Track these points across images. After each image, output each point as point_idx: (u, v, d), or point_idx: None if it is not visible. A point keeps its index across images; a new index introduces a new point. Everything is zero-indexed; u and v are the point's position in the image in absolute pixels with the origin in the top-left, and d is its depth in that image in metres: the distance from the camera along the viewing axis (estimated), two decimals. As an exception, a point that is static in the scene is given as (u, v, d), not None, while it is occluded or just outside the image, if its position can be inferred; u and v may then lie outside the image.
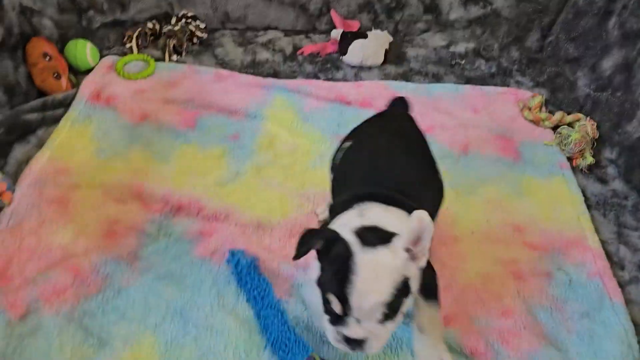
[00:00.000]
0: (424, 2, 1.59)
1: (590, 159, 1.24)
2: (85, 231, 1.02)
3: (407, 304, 0.70)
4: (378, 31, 1.52)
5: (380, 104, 1.36)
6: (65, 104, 1.27)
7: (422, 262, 0.69)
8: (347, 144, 0.93)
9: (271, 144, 1.25)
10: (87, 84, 1.33)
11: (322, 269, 0.70)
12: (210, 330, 0.88)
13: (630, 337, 0.91)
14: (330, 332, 0.71)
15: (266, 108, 1.32)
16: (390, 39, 1.53)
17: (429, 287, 0.78)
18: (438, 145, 1.26)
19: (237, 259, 0.96)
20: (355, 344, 0.69)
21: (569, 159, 1.26)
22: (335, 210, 0.79)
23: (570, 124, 1.31)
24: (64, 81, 1.30)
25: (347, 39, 1.47)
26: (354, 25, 1.56)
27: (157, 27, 1.50)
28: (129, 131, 1.23)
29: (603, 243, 1.08)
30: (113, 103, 1.29)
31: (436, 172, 0.92)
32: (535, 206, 1.14)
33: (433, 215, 0.85)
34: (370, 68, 1.49)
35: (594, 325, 0.94)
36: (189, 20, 1.51)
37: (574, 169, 1.24)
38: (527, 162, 1.24)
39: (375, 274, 0.66)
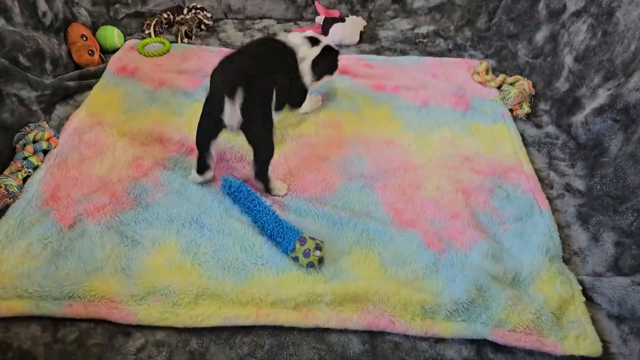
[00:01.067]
0: (392, -6, 1.83)
1: (527, 109, 1.44)
2: (117, 165, 1.20)
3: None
4: (354, 17, 1.74)
5: (356, 72, 1.58)
6: (97, 75, 1.48)
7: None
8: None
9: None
10: (115, 60, 1.54)
11: None
12: (221, 232, 1.06)
13: (552, 232, 1.11)
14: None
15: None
16: (365, 23, 1.75)
17: None
18: (403, 100, 1.47)
19: (229, 183, 1.12)
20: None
21: (511, 111, 1.47)
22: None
23: (511, 84, 1.52)
24: (96, 57, 1.50)
25: (329, 23, 1.70)
26: (334, 13, 1.78)
27: (171, 17, 1.72)
28: (149, 94, 1.43)
29: (537, 171, 1.28)
30: (136, 74, 1.49)
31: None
32: (481, 143, 1.34)
33: None
34: (348, 46, 1.71)
35: (525, 225, 1.13)
36: (198, 11, 1.73)
37: (515, 118, 1.45)
38: (475, 112, 1.45)
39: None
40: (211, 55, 1.60)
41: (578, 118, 1.36)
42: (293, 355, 0.87)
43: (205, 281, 0.97)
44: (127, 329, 0.90)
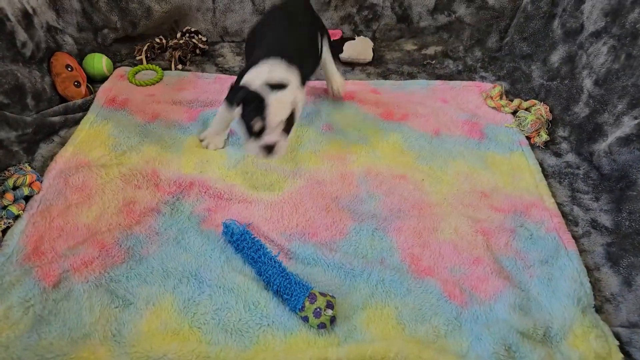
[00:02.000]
0: (397, 13, 1.77)
1: (545, 136, 1.39)
2: (107, 212, 1.13)
3: (294, 126, 1.14)
4: (362, 37, 1.70)
5: (361, 98, 1.52)
6: (84, 108, 1.40)
7: (303, 100, 1.15)
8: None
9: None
10: (104, 91, 1.46)
11: (246, 108, 1.08)
12: (222, 288, 0.99)
13: (582, 277, 1.04)
14: (252, 146, 1.10)
15: (262, 105, 1.46)
16: (372, 44, 1.70)
17: (330, 47, 1.41)
18: (413, 129, 1.41)
19: (230, 230, 1.06)
20: (269, 149, 1.09)
21: (528, 138, 1.41)
22: (247, 69, 1.17)
23: (527, 109, 1.47)
24: (83, 88, 1.42)
25: (339, 43, 1.65)
26: (337, 34, 1.73)
27: (164, 41, 1.65)
28: (141, 128, 1.35)
29: (559, 205, 1.22)
30: (127, 106, 1.42)
31: (316, 46, 1.33)
32: (499, 176, 1.28)
33: (311, 71, 1.32)
34: (358, 65, 1.67)
35: (552, 269, 1.06)
36: (192, 35, 1.66)
37: (532, 146, 1.39)
38: (490, 141, 1.38)
39: (280, 105, 1.08)
40: (207, 83, 1.53)
41: (601, 146, 1.30)
42: None
43: (206, 348, 0.89)
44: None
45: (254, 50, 1.25)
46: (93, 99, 1.43)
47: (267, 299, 0.97)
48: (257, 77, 1.11)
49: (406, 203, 1.19)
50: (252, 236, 1.05)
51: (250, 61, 1.19)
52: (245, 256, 1.04)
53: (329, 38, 1.43)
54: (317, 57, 1.34)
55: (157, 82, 1.52)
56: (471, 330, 0.94)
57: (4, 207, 1.08)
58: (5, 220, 1.07)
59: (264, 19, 1.37)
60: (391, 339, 0.91)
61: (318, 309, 0.91)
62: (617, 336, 0.94)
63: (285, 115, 1.08)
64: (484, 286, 1.02)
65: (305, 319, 0.92)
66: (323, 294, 0.94)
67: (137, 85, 1.50)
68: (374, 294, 0.99)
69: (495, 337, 0.91)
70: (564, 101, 1.44)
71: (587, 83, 1.38)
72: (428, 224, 1.14)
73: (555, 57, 1.52)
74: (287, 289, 0.94)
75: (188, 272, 1.01)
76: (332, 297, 0.94)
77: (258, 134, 1.08)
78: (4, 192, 1.10)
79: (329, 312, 0.91)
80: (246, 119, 1.09)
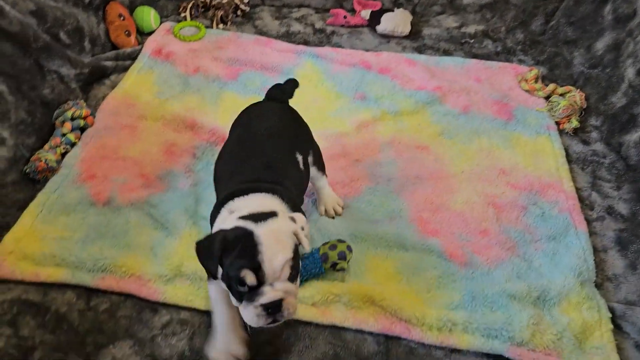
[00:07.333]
0: (441, -12, 1.94)
1: (575, 123, 1.53)
2: (151, 150, 1.40)
3: (299, 269, 0.86)
4: (402, 9, 1.87)
5: (397, 71, 1.71)
6: (133, 57, 1.68)
7: (306, 225, 0.89)
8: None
9: (299, 97, 1.59)
10: (150, 42, 1.74)
11: (226, 261, 0.82)
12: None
13: (587, 255, 1.20)
14: (248, 312, 0.82)
15: (297, 69, 1.68)
16: (411, 17, 1.87)
17: (320, 164, 1.21)
18: (442, 104, 1.59)
19: None
20: (273, 309, 0.81)
21: (557, 124, 1.55)
22: (215, 212, 0.95)
23: (562, 95, 1.60)
24: (132, 38, 1.71)
25: (377, 14, 1.83)
26: (377, 5, 1.92)
27: (208, 0, 1.91)
28: (183, 80, 1.61)
29: (578, 190, 1.37)
30: (171, 58, 1.68)
31: (297, 164, 1.08)
32: (521, 156, 1.44)
33: (299, 195, 1.07)
34: (394, 37, 1.83)
35: (558, 246, 1.23)
36: (235, -4, 1.91)
37: (561, 132, 1.53)
38: (518, 123, 1.54)
39: (276, 238, 0.82)
40: (247, 43, 1.78)
41: (632, 137, 1.43)
42: (309, 347, 1.02)
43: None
44: (155, 306, 1.07)
45: (220, 185, 1.05)
46: (141, 49, 1.71)
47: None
48: (233, 215, 0.88)
49: (424, 172, 1.38)
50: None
51: (217, 202, 0.97)
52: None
53: (316, 152, 1.21)
54: (301, 177, 1.10)
55: (200, 39, 1.77)
56: (465, 288, 1.12)
57: (64, 135, 1.37)
58: (64, 146, 1.36)
59: (228, 141, 1.15)
60: (389, 286, 1.12)
61: (342, 252, 1.11)
62: (611, 310, 1.10)
63: (287, 252, 0.82)
64: (487, 252, 1.20)
65: (334, 265, 1.11)
66: (341, 242, 1.13)
67: (181, 40, 1.76)
68: (378, 246, 1.20)
69: (487, 296, 1.10)
70: (602, 90, 1.58)
71: (630, 72, 1.51)
72: (442, 192, 1.33)
73: (601, 44, 1.65)
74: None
75: (217, 208, 1.26)
76: (349, 249, 1.12)
77: (253, 291, 0.81)
78: (63, 121, 1.39)
79: (342, 262, 1.12)
80: (231, 273, 0.81)
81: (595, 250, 1.22)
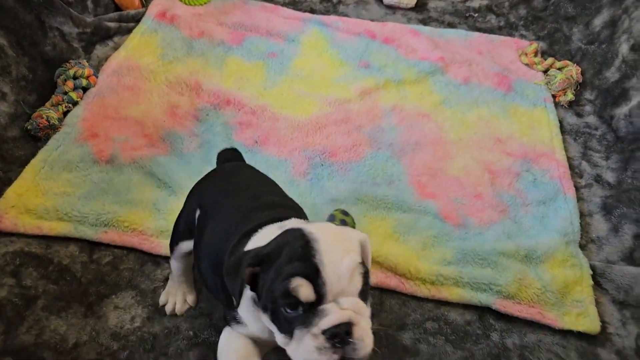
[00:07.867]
0: (446, -39, 1.95)
1: (570, 96, 1.58)
2: (154, 111, 1.42)
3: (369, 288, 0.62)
4: (408, -19, 1.89)
5: (401, 41, 1.73)
6: (137, 19, 1.69)
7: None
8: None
9: (304, 64, 1.63)
10: (155, 5, 1.74)
11: (265, 278, 0.61)
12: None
13: (574, 218, 1.27)
14: (304, 349, 0.57)
15: (303, 36, 1.70)
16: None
17: None
18: (444, 74, 1.63)
19: None
20: (342, 335, 0.57)
21: (554, 97, 1.60)
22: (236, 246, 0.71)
23: (559, 69, 1.65)
24: (136, 0, 1.71)
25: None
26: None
27: (211, -35, 1.90)
28: (187, 43, 1.63)
29: (569, 159, 1.43)
30: (175, 21, 1.69)
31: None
32: (517, 126, 1.50)
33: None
34: (400, 9, 1.86)
35: (547, 210, 1.29)
36: (239, -39, 1.90)
37: (557, 105, 1.59)
38: (517, 94, 1.59)
39: (338, 237, 0.61)
40: (253, 9, 1.79)
41: (622, 110, 1.49)
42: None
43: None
44: (157, 259, 1.12)
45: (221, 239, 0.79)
46: (145, 11, 1.71)
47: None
48: (270, 234, 0.67)
49: (424, 138, 1.43)
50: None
51: (239, 237, 0.73)
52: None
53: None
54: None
55: (205, 3, 1.78)
56: (458, 247, 1.18)
57: (65, 93, 1.39)
58: (66, 104, 1.38)
59: (212, 206, 0.89)
60: (386, 244, 1.18)
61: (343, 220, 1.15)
62: (593, 269, 1.17)
63: (355, 256, 0.61)
64: (480, 215, 1.26)
65: None
66: (344, 213, 1.17)
67: (185, 4, 1.77)
68: (378, 207, 1.25)
69: (478, 254, 1.16)
70: (597, 65, 1.62)
71: (624, 48, 1.55)
72: (440, 158, 1.38)
73: (599, 21, 1.68)
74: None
75: (220, 167, 1.30)
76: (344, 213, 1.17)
77: (308, 313, 0.59)
78: (65, 79, 1.40)
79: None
80: (275, 288, 0.59)
81: (582, 215, 1.29)
